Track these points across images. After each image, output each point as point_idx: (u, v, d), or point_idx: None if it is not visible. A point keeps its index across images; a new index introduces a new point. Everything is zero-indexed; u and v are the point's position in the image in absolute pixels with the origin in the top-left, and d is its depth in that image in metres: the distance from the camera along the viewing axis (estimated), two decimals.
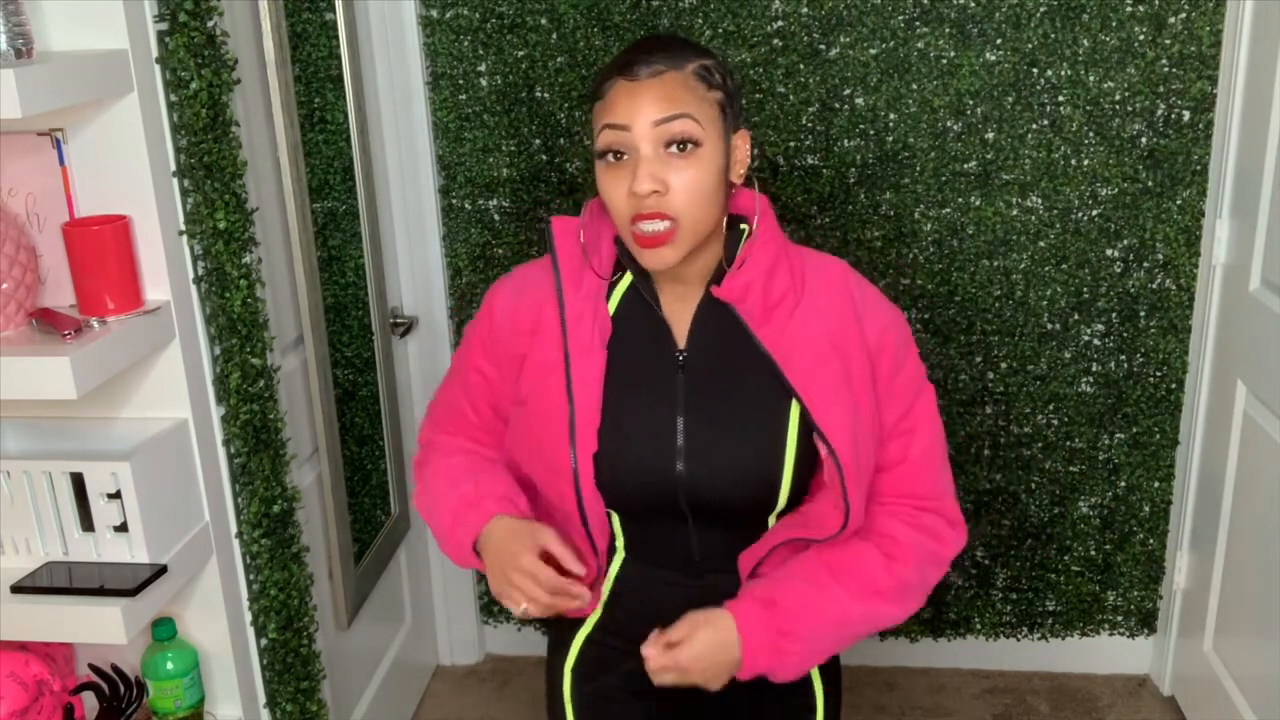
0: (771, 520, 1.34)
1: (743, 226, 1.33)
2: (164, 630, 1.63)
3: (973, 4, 2.25)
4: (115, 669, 1.66)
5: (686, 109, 1.20)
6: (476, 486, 1.37)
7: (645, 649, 1.25)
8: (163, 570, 1.51)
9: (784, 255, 1.30)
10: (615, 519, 1.37)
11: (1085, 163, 2.33)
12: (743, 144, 1.28)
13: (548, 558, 1.29)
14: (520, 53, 2.37)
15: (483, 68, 2.39)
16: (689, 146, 1.20)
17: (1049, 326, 2.44)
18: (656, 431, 1.30)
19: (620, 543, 1.39)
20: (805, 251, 1.36)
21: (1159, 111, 2.29)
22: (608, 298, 1.33)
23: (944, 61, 2.29)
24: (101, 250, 1.43)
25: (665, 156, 1.20)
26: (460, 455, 1.45)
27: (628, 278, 1.35)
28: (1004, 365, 2.48)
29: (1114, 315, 2.43)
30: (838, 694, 1.48)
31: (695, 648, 1.24)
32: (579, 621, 1.49)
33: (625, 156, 1.22)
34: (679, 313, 1.33)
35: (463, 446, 1.46)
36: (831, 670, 1.47)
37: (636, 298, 1.34)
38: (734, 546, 1.35)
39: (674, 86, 1.20)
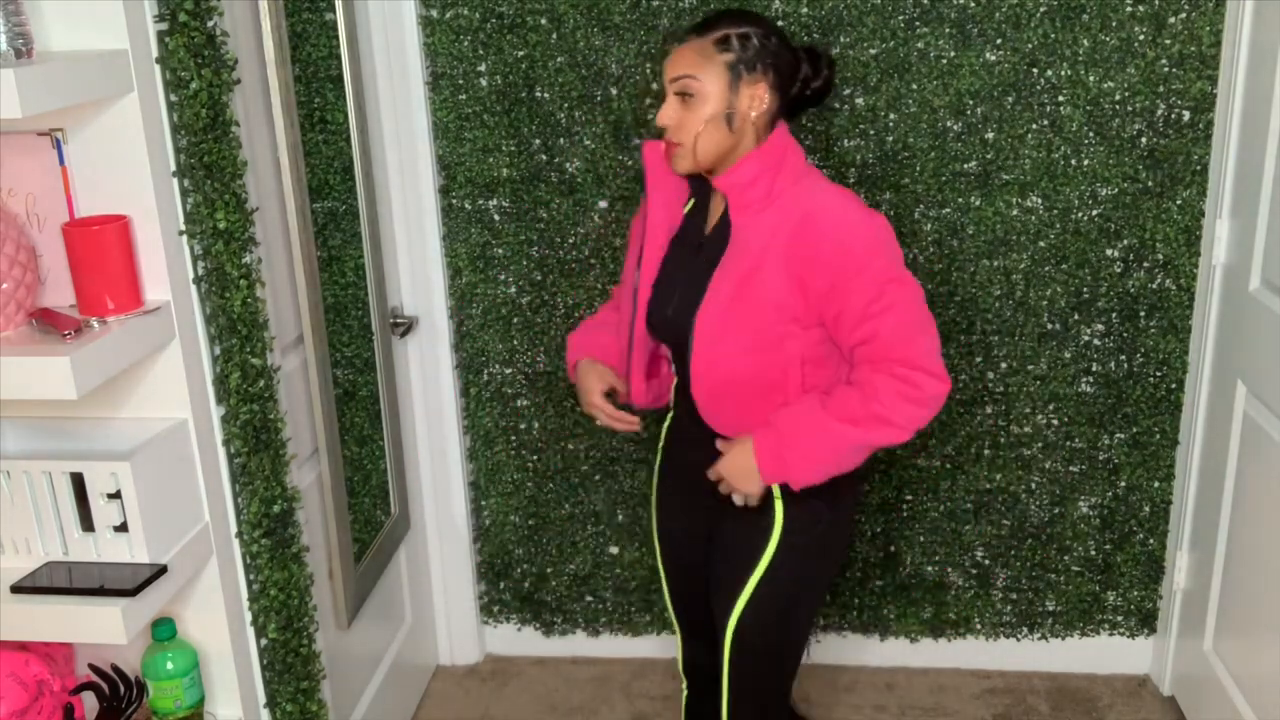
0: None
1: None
2: (164, 630, 1.63)
3: (973, 4, 2.25)
4: (115, 669, 1.66)
5: (690, 70, 1.68)
6: (587, 334, 1.99)
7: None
8: (163, 570, 1.51)
9: (769, 173, 1.70)
10: (674, 391, 1.95)
11: (1085, 163, 2.33)
12: (749, 95, 1.68)
13: (610, 392, 1.91)
14: (520, 53, 2.37)
15: (483, 68, 2.39)
16: (688, 98, 1.69)
17: (1049, 326, 2.45)
18: (675, 292, 1.80)
19: (672, 405, 1.97)
20: (815, 183, 1.72)
21: (1159, 111, 2.29)
22: (687, 203, 1.85)
23: (944, 61, 2.29)
24: (101, 250, 1.43)
25: (678, 101, 1.70)
26: (606, 309, 2.06)
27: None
28: (1004, 365, 2.48)
29: (1114, 315, 2.43)
30: (806, 535, 1.82)
31: (725, 462, 1.79)
32: (667, 412, 2.01)
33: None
34: (716, 215, 1.80)
35: (616, 297, 2.06)
36: (804, 513, 1.81)
37: (697, 205, 1.85)
38: (735, 424, 1.79)
39: (689, 52, 1.68)
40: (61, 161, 1.46)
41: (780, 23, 2.29)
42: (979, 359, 2.48)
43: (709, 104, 1.68)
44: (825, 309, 1.68)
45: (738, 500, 1.80)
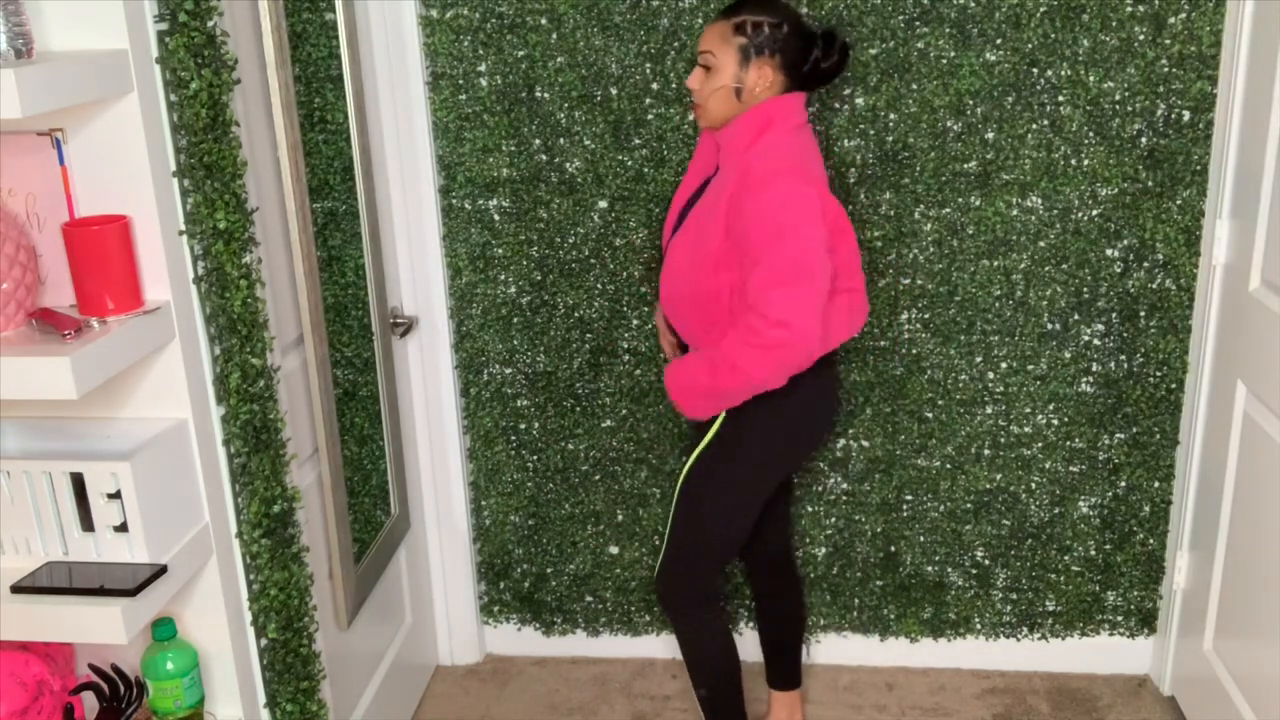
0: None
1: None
2: (164, 630, 1.63)
3: (973, 4, 2.25)
4: (115, 669, 1.66)
5: (711, 47, 1.98)
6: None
7: None
8: (163, 570, 1.51)
9: (751, 131, 1.97)
10: None
11: (1085, 163, 2.33)
12: (756, 73, 1.96)
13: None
14: (520, 53, 2.37)
15: (483, 68, 2.39)
16: (708, 69, 1.99)
17: (1049, 326, 2.45)
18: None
19: None
20: (776, 145, 1.95)
21: (1159, 111, 2.29)
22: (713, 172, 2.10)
23: (944, 61, 2.29)
24: (101, 250, 1.43)
25: (702, 70, 2.01)
26: None
27: None
28: (1004, 365, 2.48)
29: (1114, 315, 2.43)
30: (738, 436, 2.08)
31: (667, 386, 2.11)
32: None
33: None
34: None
35: None
36: (733, 422, 2.07)
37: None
38: (686, 333, 2.12)
39: (713, 32, 1.99)
40: (61, 161, 1.46)
41: None
42: (979, 359, 2.48)
43: (722, 77, 1.98)
44: (740, 254, 1.93)
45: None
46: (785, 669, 2.49)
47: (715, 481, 2.13)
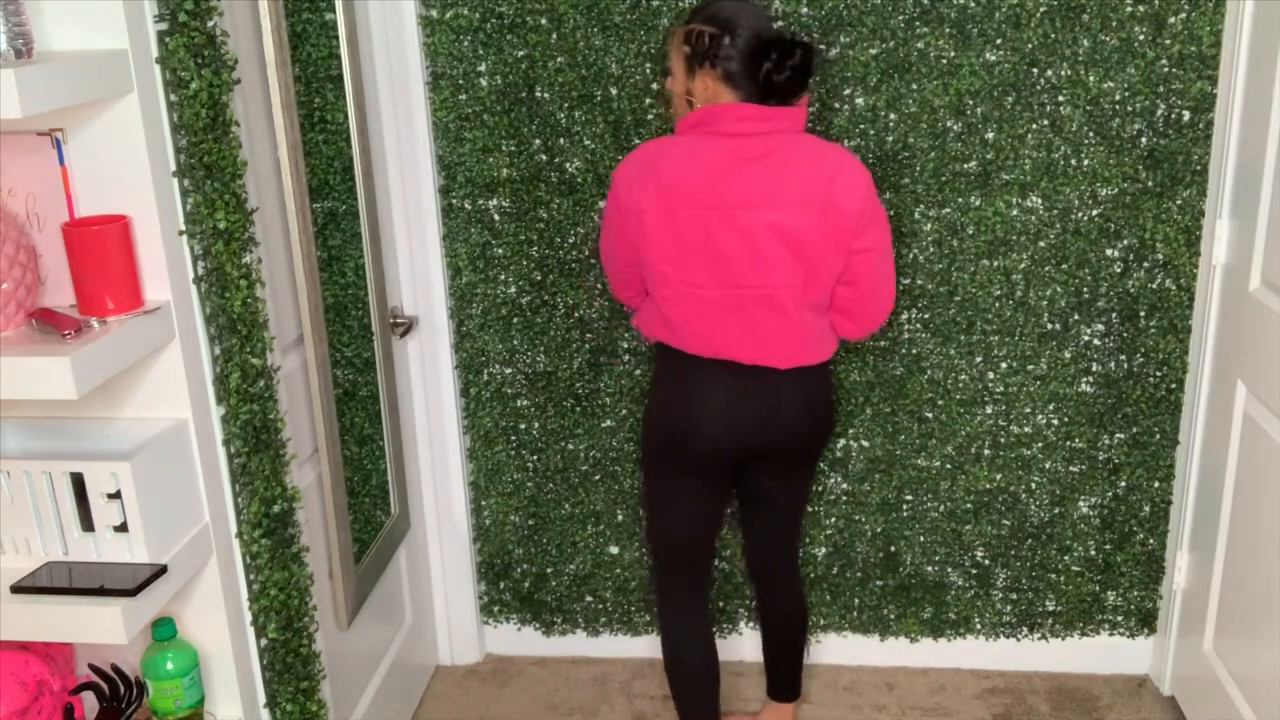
0: None
1: None
2: (164, 630, 1.63)
3: (973, 4, 2.25)
4: (115, 669, 1.66)
5: (670, 53, 2.01)
6: None
7: None
8: (163, 570, 1.51)
9: (679, 127, 1.99)
10: None
11: (1085, 163, 2.33)
12: (700, 83, 1.95)
13: None
14: (520, 53, 2.37)
15: (483, 68, 2.39)
16: (667, 74, 2.11)
17: (1049, 326, 2.45)
18: None
19: None
20: (644, 149, 1.99)
21: (1159, 111, 2.29)
22: None
23: (944, 61, 2.29)
24: (101, 250, 1.43)
25: (670, 75, 2.03)
26: None
27: None
28: (1004, 365, 2.48)
29: (1114, 315, 2.43)
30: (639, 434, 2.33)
31: None
32: None
33: None
34: None
35: None
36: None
37: None
38: None
39: (673, 38, 2.00)
40: (61, 161, 1.46)
41: (780, 23, 2.29)
42: (979, 359, 2.48)
43: (676, 84, 2.01)
44: None
45: None
46: (779, 680, 2.48)
47: (642, 477, 2.24)
